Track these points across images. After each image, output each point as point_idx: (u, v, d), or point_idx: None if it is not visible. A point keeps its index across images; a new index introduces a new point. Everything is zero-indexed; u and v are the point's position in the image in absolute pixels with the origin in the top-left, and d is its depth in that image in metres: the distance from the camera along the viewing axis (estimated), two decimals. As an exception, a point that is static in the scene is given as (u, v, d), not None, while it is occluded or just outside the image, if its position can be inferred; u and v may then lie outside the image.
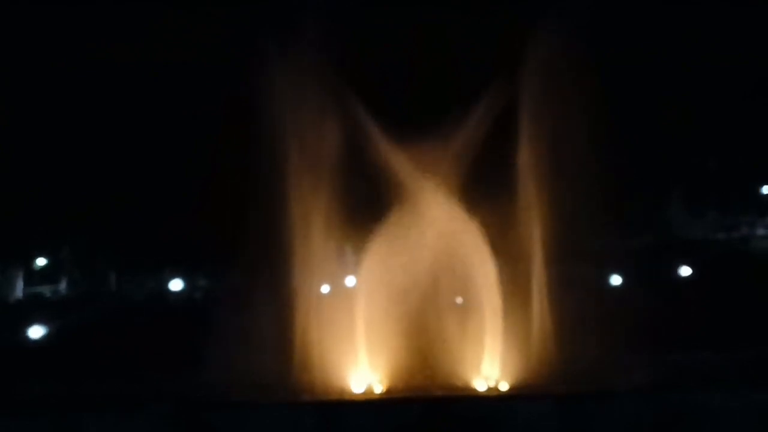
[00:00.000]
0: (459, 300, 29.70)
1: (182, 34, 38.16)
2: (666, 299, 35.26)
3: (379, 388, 28.33)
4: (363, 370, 29.34)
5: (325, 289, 35.64)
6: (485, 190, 29.63)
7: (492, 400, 25.01)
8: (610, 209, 31.00)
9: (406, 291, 29.32)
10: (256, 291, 32.08)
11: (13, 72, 41.52)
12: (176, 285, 45.76)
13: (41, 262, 48.73)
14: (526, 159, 29.72)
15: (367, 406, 25.27)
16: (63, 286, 48.58)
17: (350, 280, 39.68)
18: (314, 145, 30.36)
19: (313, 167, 30.52)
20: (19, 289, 47.92)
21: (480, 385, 28.20)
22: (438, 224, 29.67)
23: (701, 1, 40.35)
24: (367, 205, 30.99)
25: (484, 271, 29.34)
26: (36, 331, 35.44)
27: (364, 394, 27.59)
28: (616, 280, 39.14)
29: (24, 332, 35.36)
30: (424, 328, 29.27)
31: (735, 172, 48.32)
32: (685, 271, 42.21)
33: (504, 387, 27.94)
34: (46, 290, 48.29)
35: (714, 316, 32.96)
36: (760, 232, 52.92)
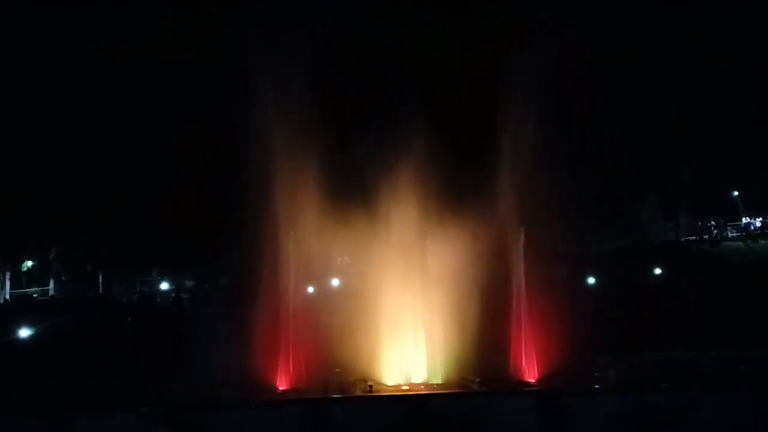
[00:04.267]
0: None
1: (176, 38, 38.11)
2: (640, 300, 36.00)
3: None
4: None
5: (310, 290, 36.36)
6: (467, 198, 30.28)
7: (475, 397, 25.53)
8: (588, 215, 31.85)
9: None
10: (243, 292, 32.47)
11: (9, 76, 41.53)
12: (164, 286, 46.06)
13: (29, 264, 48.72)
14: (506, 168, 30.33)
15: (352, 404, 25.63)
16: (51, 287, 48.61)
17: (335, 282, 40.28)
18: (303, 150, 30.83)
19: (301, 172, 31.01)
20: (6, 291, 47.95)
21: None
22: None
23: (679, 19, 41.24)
24: (353, 208, 31.60)
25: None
26: (24, 333, 35.64)
27: (349, 391, 27.96)
28: (591, 281, 39.84)
29: (12, 333, 35.50)
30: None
31: (706, 179, 49.48)
32: (659, 272, 43.09)
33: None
34: (33, 292, 48.33)
35: (687, 317, 33.78)
36: (730, 234, 54.06)
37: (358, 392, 27.69)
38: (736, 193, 52.58)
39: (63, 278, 48.25)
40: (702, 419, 23.01)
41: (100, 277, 48.13)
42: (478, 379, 28.13)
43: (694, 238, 51.62)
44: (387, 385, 29.47)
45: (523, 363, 29.24)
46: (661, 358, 30.95)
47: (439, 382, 29.53)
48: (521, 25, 31.74)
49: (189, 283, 46.55)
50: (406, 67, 34.83)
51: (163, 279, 46.60)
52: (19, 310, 41.43)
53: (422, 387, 28.93)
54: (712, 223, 53.60)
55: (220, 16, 38.34)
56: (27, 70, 41.78)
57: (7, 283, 48.03)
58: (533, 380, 28.64)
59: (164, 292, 45.52)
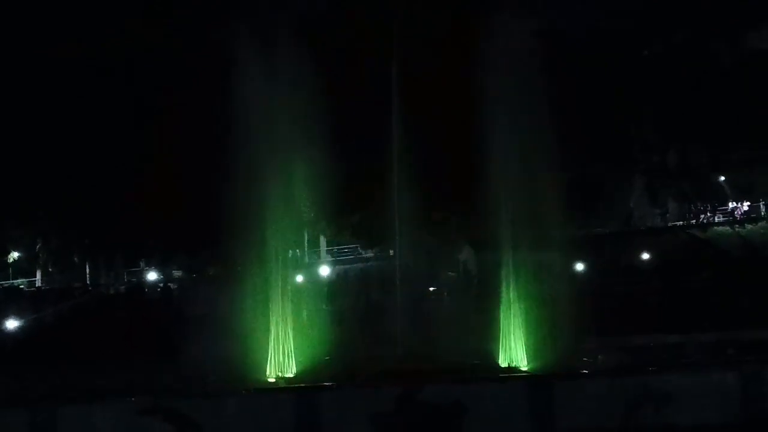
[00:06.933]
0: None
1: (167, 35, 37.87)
2: (628, 284, 36.25)
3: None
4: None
5: (299, 278, 36.28)
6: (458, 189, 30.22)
7: (466, 382, 25.58)
8: (575, 201, 31.92)
9: None
10: (230, 281, 32.32)
11: None
12: (151, 277, 45.98)
13: (15, 255, 48.53)
14: (496, 155, 30.26)
15: (344, 391, 25.59)
16: (38, 278, 48.48)
17: (324, 270, 40.31)
18: (289, 134, 30.62)
19: (287, 158, 30.83)
20: (-8, 283, 47.86)
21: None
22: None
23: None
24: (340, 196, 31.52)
25: None
26: (11, 324, 35.47)
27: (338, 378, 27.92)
28: (579, 266, 40.04)
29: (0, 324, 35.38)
30: None
31: (693, 164, 49.90)
32: (647, 256, 43.40)
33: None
34: (20, 283, 48.16)
35: (675, 300, 34.07)
36: (717, 219, 54.62)
37: (350, 379, 27.82)
38: (722, 177, 53.09)
39: (50, 269, 48.14)
40: (688, 400, 23.09)
41: (87, 268, 48.06)
42: (469, 365, 28.27)
43: (681, 222, 52.13)
44: (379, 372, 29.47)
45: (514, 349, 29.39)
46: (649, 341, 31.23)
47: (432, 368, 29.55)
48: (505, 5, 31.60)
49: (177, 273, 46.55)
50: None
51: (150, 269, 46.55)
52: (5, 301, 41.28)
53: (415, 373, 28.92)
54: (700, 208, 54.19)
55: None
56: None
57: (-7, 275, 47.90)
58: (524, 365, 28.79)
59: (152, 282, 45.45)
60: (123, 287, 44.66)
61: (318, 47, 30.72)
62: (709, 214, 54.90)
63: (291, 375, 29.30)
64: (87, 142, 41.12)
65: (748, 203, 56.80)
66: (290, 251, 31.62)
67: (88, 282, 47.49)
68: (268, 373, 29.57)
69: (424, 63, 35.93)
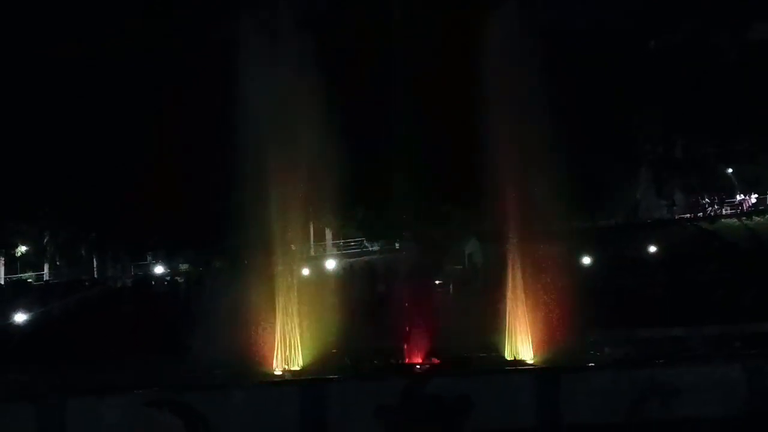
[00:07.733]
0: None
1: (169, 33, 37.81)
2: (634, 276, 36.18)
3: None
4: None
5: (305, 271, 36.37)
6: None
7: (473, 374, 25.64)
8: (581, 193, 31.83)
9: None
10: (237, 274, 32.39)
11: None
12: (158, 270, 46.18)
13: (23, 249, 48.78)
14: (500, 148, 30.18)
15: (350, 383, 25.64)
16: (45, 272, 48.75)
17: (330, 263, 40.42)
18: (292, 131, 30.63)
19: (291, 154, 30.85)
20: (0, 276, 47.99)
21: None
22: None
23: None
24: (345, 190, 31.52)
25: None
26: (19, 317, 35.67)
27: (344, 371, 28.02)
28: (586, 259, 40.01)
29: (7, 318, 35.54)
30: None
31: (699, 156, 49.76)
32: (654, 249, 43.36)
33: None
34: (28, 277, 48.46)
35: (681, 293, 33.99)
36: (725, 211, 54.52)
37: (356, 372, 27.89)
38: (730, 170, 52.93)
39: (57, 263, 48.37)
40: (694, 393, 23.10)
41: (95, 261, 48.28)
42: (475, 357, 28.32)
43: (688, 215, 52.05)
44: (385, 365, 29.59)
45: (520, 341, 29.41)
46: (654, 334, 31.21)
47: (438, 360, 29.63)
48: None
49: (183, 267, 46.73)
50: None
51: (157, 263, 46.72)
52: (14, 295, 41.49)
53: (421, 365, 29.04)
54: (707, 200, 54.10)
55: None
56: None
57: (2, 269, 48.15)
58: (529, 358, 28.82)
59: (159, 275, 45.65)
60: (130, 281, 44.87)
61: (318, 47, 30.66)
62: (716, 207, 54.91)
63: (297, 368, 29.43)
64: (89, 140, 41.26)
65: (756, 195, 56.82)
66: (295, 245, 31.68)
67: (95, 275, 47.76)
68: (274, 365, 29.69)
69: (424, 61, 35.83)
